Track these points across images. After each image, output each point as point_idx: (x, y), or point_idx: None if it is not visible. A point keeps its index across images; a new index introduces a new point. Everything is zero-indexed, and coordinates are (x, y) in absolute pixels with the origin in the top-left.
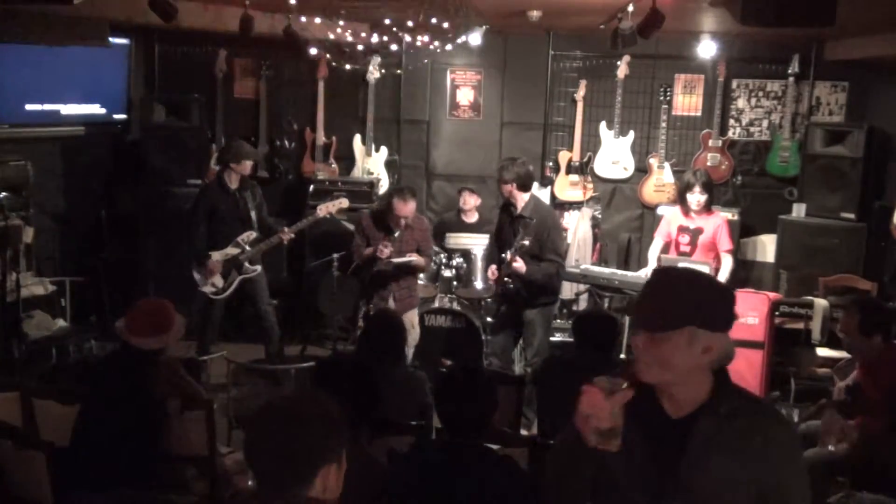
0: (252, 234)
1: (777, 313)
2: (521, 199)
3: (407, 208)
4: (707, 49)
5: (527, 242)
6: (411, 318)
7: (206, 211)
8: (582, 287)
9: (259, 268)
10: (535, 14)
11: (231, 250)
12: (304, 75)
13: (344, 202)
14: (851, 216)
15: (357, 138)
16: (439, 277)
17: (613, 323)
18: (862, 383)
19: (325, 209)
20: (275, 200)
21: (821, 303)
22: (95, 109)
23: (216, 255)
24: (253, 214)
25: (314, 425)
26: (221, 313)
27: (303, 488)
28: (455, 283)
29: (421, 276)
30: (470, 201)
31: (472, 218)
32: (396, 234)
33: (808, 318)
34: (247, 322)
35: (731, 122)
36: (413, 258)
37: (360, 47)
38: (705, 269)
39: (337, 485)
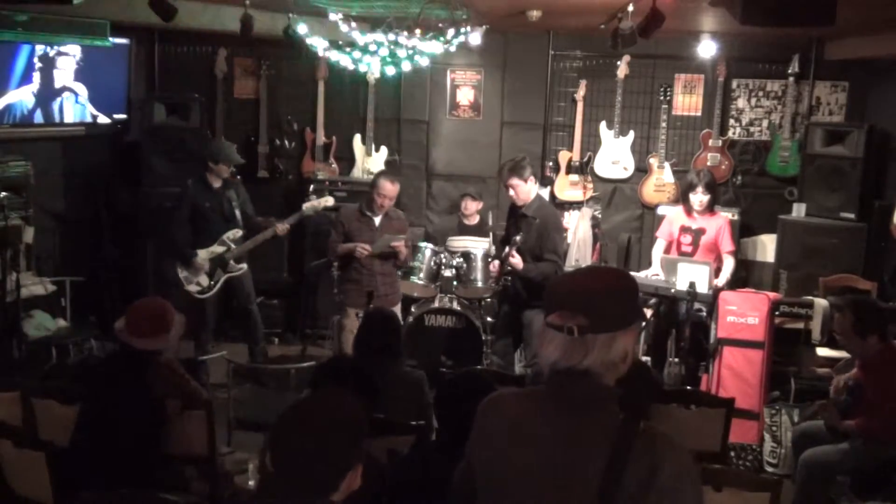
0: (238, 232)
1: (777, 313)
2: (524, 191)
3: (394, 189)
4: (707, 49)
5: (519, 238)
6: None
7: (190, 210)
8: None
9: (245, 266)
10: (535, 14)
11: (217, 248)
12: (304, 75)
13: (329, 200)
14: (851, 216)
15: (357, 138)
16: (439, 277)
17: None
18: (863, 383)
19: (310, 206)
20: (275, 200)
21: (821, 303)
22: (95, 109)
23: (202, 254)
24: (237, 212)
25: (343, 433)
26: (215, 313)
27: (329, 495)
28: (455, 283)
29: (421, 275)
30: (471, 207)
31: (473, 221)
32: (377, 222)
33: (808, 318)
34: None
35: (731, 121)
36: (397, 239)
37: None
38: (706, 269)
39: (357, 482)
